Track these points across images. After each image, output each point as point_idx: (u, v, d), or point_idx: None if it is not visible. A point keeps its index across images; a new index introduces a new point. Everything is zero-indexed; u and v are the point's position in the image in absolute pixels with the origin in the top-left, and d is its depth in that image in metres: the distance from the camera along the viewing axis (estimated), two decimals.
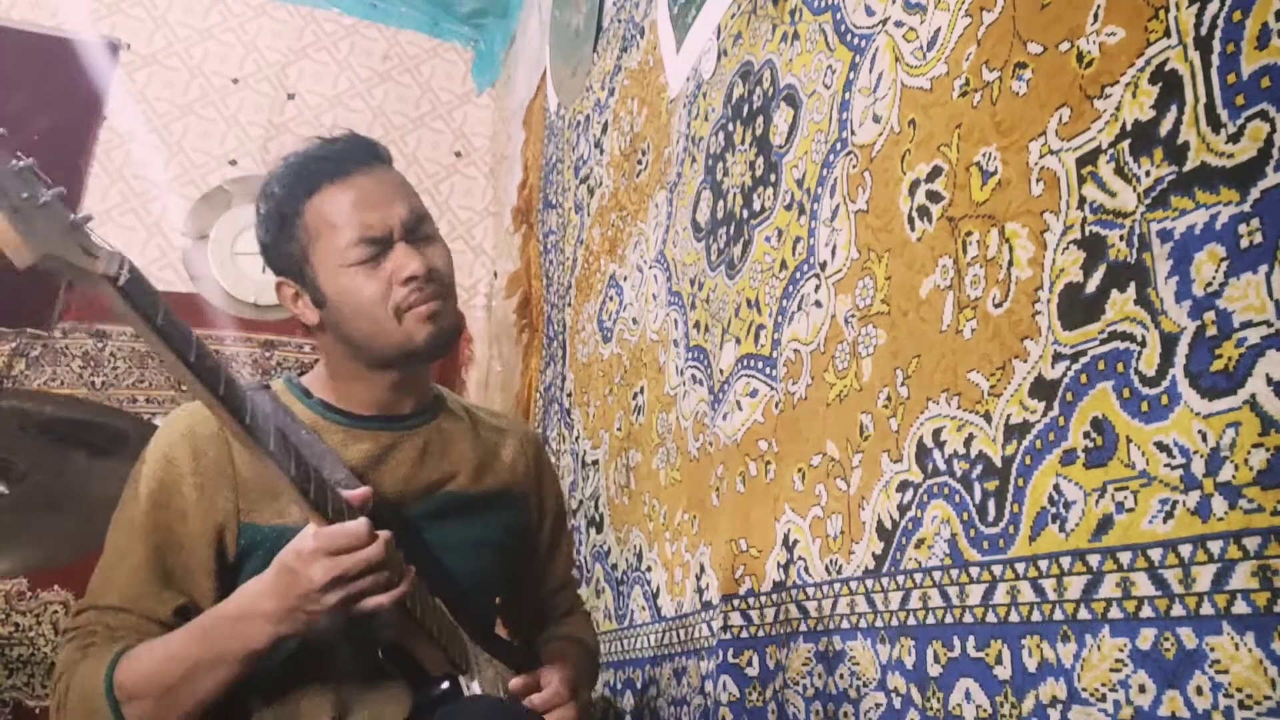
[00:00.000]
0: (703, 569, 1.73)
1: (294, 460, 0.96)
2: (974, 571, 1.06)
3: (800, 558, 1.42)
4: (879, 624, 1.22)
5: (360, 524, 0.98)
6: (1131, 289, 0.90)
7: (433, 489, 1.21)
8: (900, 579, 1.19)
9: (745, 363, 1.65)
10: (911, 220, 1.25)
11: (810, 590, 1.39)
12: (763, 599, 1.51)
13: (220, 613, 1.03)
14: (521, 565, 1.38)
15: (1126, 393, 0.89)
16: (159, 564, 1.09)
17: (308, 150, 1.19)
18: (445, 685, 1.10)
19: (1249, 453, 0.77)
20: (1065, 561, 0.94)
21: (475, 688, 1.11)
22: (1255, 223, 0.79)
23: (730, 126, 1.82)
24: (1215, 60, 0.84)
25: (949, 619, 1.10)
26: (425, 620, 1.08)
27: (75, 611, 1.09)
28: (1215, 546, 0.79)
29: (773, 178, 1.64)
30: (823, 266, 1.45)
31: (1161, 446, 0.85)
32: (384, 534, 0.99)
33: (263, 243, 1.20)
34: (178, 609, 1.08)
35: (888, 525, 1.23)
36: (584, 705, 1.22)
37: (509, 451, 1.34)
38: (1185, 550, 0.82)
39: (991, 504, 1.05)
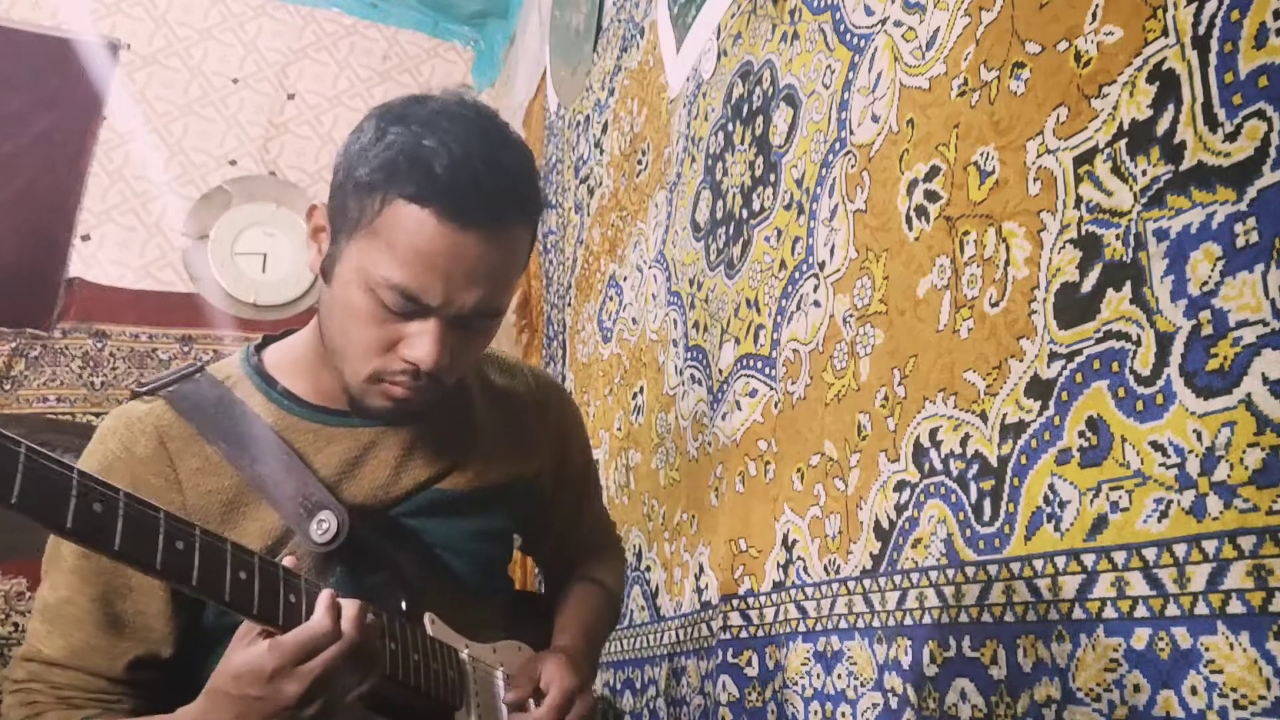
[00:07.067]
0: (702, 569, 1.73)
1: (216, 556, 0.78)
2: (970, 571, 1.06)
3: (799, 558, 1.42)
4: (876, 624, 1.22)
5: (321, 617, 0.81)
6: (1127, 288, 0.90)
7: (419, 488, 1.06)
8: (897, 579, 1.19)
9: (744, 362, 1.65)
10: (909, 220, 1.25)
11: (809, 590, 1.39)
12: (762, 599, 1.51)
13: None
14: (539, 532, 1.26)
15: (1121, 392, 0.89)
16: (105, 612, 0.94)
17: (455, 149, 0.88)
18: None
19: (1244, 452, 0.77)
20: (1060, 561, 0.94)
21: None
22: (1251, 222, 0.79)
23: (730, 126, 1.82)
24: (1213, 60, 0.84)
25: (945, 619, 1.09)
26: (403, 668, 0.93)
27: (20, 657, 0.96)
28: (1210, 546, 0.79)
29: (772, 177, 1.64)
30: (821, 266, 1.45)
31: (1156, 446, 0.85)
32: (350, 609, 0.82)
33: (339, 164, 0.95)
34: (132, 663, 0.95)
35: (885, 525, 1.23)
36: (586, 680, 1.09)
37: (524, 426, 1.16)
38: (1180, 550, 0.82)
39: (987, 504, 1.05)
